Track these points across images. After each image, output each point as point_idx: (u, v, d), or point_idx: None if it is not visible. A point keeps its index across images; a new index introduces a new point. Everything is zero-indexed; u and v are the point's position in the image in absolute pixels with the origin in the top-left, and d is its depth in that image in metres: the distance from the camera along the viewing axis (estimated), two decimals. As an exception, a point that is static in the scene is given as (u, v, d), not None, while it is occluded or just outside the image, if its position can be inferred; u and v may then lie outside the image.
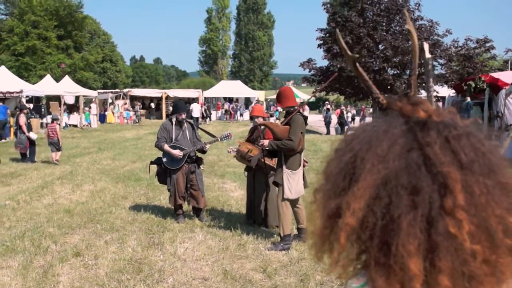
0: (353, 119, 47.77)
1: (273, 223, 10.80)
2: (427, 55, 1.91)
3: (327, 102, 61.32)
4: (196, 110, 49.20)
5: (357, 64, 1.60)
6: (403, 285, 1.23)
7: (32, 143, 21.83)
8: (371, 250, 1.28)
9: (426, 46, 1.88)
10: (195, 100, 59.88)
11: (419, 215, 1.22)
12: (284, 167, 9.28)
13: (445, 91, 44.62)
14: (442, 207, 1.22)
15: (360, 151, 1.33)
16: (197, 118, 48.24)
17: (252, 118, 11.32)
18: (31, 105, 41.88)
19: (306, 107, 62.92)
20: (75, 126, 44.71)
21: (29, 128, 22.08)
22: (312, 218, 1.44)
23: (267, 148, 9.49)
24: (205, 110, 54.46)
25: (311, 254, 1.46)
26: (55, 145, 20.81)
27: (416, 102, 1.40)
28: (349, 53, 1.58)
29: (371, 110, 64.33)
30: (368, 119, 56.84)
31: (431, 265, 1.22)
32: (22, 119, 21.58)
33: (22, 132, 21.44)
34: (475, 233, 1.22)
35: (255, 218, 11.07)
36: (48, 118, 34.48)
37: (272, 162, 10.59)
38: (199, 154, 11.78)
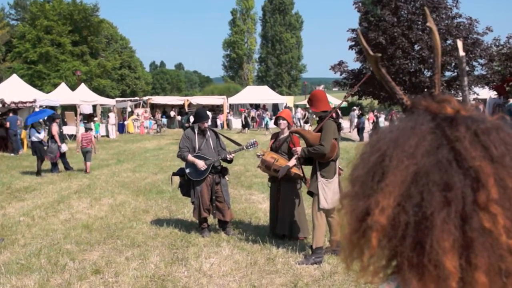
0: (375, 122, 47.27)
1: (301, 235, 10.81)
2: (461, 53, 1.94)
3: (354, 108, 61.09)
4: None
5: (380, 64, 1.64)
6: (438, 285, 1.26)
7: (62, 154, 22.52)
8: (403, 251, 1.30)
9: (459, 43, 1.92)
10: (219, 107, 60.02)
11: (452, 212, 1.25)
12: (319, 175, 9.32)
13: (486, 93, 44.35)
14: (475, 202, 1.25)
15: (388, 150, 1.37)
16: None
17: (278, 119, 11.34)
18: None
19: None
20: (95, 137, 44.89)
21: (62, 138, 22.66)
22: (341, 225, 1.48)
23: (301, 155, 9.54)
24: (245, 118, 53.50)
25: (340, 262, 1.50)
26: (88, 154, 22.20)
27: (442, 99, 1.44)
28: (371, 53, 1.63)
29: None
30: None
31: (467, 262, 1.24)
32: (55, 129, 21.99)
33: (54, 142, 21.89)
34: (510, 227, 1.25)
35: (279, 230, 11.06)
36: (66, 129, 34.76)
37: (299, 170, 10.61)
38: (224, 164, 11.80)
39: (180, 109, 60.97)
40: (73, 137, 39.18)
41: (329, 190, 9.30)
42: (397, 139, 1.37)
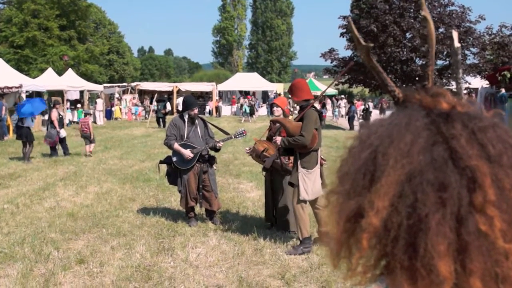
0: (365, 111, 47.20)
1: (292, 228, 10.79)
2: (456, 44, 1.88)
3: (342, 96, 61.41)
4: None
5: (371, 54, 1.58)
6: None
7: (61, 139, 23.41)
8: (396, 253, 1.25)
9: (455, 34, 1.86)
10: (208, 94, 60.13)
11: (448, 213, 1.19)
12: (299, 166, 9.28)
13: (477, 82, 44.51)
14: (471, 204, 1.20)
15: (381, 146, 1.31)
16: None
17: (272, 106, 11.32)
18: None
19: (329, 101, 62.94)
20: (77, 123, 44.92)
21: (61, 124, 23.41)
22: (327, 223, 1.42)
23: (280, 145, 9.50)
24: (251, 106, 52.95)
25: (327, 261, 1.45)
26: (88, 138, 23.41)
27: (437, 93, 1.38)
28: (362, 42, 1.57)
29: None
30: (390, 113, 56.90)
31: (462, 266, 1.20)
32: (54, 114, 22.93)
33: (53, 127, 22.77)
34: (507, 231, 1.20)
35: (273, 222, 11.04)
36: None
37: (289, 163, 10.59)
38: (212, 153, 11.77)
39: (169, 95, 60.91)
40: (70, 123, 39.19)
41: (310, 181, 9.25)
42: (390, 135, 1.31)
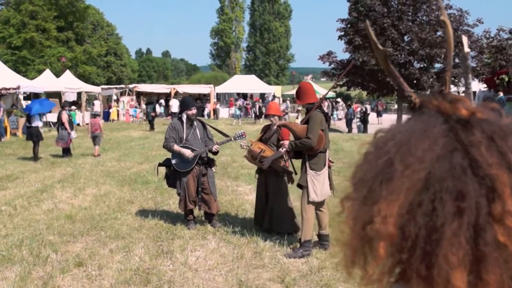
0: (363, 113, 47.11)
1: (287, 229, 10.77)
2: (466, 49, 1.86)
3: (338, 99, 61.46)
4: (175, 106, 48.59)
5: (389, 60, 1.55)
6: None
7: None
8: (412, 262, 1.23)
9: (464, 39, 1.84)
10: (206, 96, 60.14)
11: (465, 223, 1.17)
12: (308, 168, 9.31)
13: (475, 86, 44.57)
14: (490, 214, 1.17)
15: (398, 153, 1.28)
16: (175, 113, 47.64)
17: (267, 116, 11.31)
18: (29, 102, 41.93)
19: (326, 103, 62.92)
20: (78, 125, 44.82)
21: (71, 125, 23.91)
22: (341, 229, 1.40)
23: (288, 149, 9.52)
24: (259, 108, 52.79)
25: (340, 269, 1.42)
26: (97, 138, 24.04)
27: (455, 99, 1.35)
28: (380, 47, 1.54)
29: (395, 106, 64.22)
30: (386, 116, 56.90)
31: (477, 278, 1.17)
32: (65, 116, 23.34)
33: (64, 129, 23.17)
34: None
35: (265, 223, 11.01)
36: (50, 116, 34.92)
37: (286, 164, 10.60)
38: (211, 155, 11.75)
39: (166, 97, 60.82)
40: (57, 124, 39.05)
41: (318, 183, 9.29)
42: (407, 142, 1.28)
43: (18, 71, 53.71)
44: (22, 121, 33.06)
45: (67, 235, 10.78)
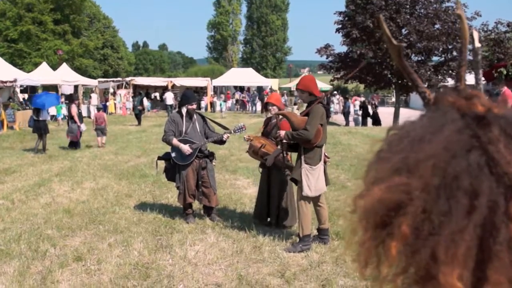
0: (361, 107, 47.02)
1: (288, 223, 10.76)
2: (477, 44, 1.83)
3: (335, 92, 61.42)
4: (169, 98, 48.80)
5: (402, 55, 1.53)
6: None
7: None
8: (427, 261, 1.20)
9: (475, 34, 1.81)
10: (203, 89, 60.09)
11: (474, 222, 1.13)
12: (303, 162, 9.23)
13: (473, 79, 44.56)
14: (506, 213, 1.14)
15: (412, 151, 1.26)
16: (171, 106, 47.71)
17: (267, 105, 11.25)
18: (25, 95, 41.85)
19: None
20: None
21: (81, 119, 24.41)
22: (354, 229, 1.37)
23: (284, 140, 9.46)
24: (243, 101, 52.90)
25: (354, 270, 1.40)
26: (102, 131, 24.82)
27: (471, 95, 1.32)
28: (394, 42, 1.51)
29: (393, 99, 64.24)
30: (383, 109, 56.87)
31: (482, 278, 1.14)
32: (74, 109, 24.03)
33: (74, 122, 23.83)
34: None
35: (269, 218, 11.01)
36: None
37: (288, 157, 10.55)
38: (211, 148, 11.71)
39: (163, 90, 60.72)
40: (53, 118, 38.95)
41: (313, 177, 9.19)
42: (422, 139, 1.25)
43: (15, 64, 53.61)
44: (19, 114, 33.05)
45: (66, 229, 10.74)
